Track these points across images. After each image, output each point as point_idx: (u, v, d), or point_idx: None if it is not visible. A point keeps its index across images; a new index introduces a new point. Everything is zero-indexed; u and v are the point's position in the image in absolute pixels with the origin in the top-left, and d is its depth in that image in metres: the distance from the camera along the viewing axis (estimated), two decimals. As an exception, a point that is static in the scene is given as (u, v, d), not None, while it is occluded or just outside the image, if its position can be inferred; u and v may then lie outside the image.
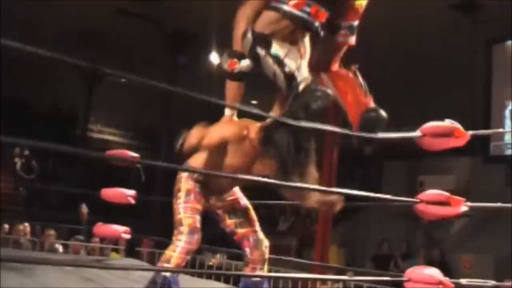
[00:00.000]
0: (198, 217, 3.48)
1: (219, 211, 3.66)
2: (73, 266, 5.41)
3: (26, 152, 15.12)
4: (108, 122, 20.11)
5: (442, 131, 3.34)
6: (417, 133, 3.36)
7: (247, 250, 3.61)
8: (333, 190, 3.50)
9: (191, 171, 3.53)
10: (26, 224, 10.61)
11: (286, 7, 3.24)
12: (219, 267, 10.30)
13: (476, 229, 11.66)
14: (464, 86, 12.46)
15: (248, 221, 3.65)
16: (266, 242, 3.65)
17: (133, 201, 5.01)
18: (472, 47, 12.12)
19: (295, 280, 8.37)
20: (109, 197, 5.17)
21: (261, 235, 3.65)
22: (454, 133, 3.35)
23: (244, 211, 3.68)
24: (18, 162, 15.18)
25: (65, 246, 9.71)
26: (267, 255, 3.64)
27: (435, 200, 3.26)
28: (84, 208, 10.81)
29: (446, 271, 3.41)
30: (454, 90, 12.35)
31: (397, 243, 11.85)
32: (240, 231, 3.62)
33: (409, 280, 3.31)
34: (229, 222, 3.65)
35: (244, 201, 3.72)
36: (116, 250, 9.37)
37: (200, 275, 6.68)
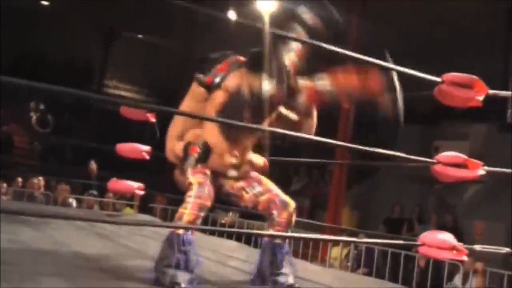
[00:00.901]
0: (207, 179, 3.40)
1: (234, 191, 3.56)
2: (85, 221, 5.44)
3: (42, 106, 15.16)
4: (123, 78, 20.06)
5: (463, 81, 3.27)
6: (437, 78, 3.29)
7: (275, 212, 3.46)
8: (351, 146, 3.45)
9: (208, 119, 3.45)
10: (41, 178, 10.65)
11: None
12: (231, 225, 10.34)
13: (488, 197, 11.62)
14: (484, 55, 12.30)
15: (267, 188, 3.56)
16: (293, 204, 3.55)
17: (147, 157, 5.00)
18: (493, 15, 11.94)
19: (306, 240, 8.40)
20: (124, 152, 5.16)
21: (286, 197, 3.55)
22: (474, 85, 3.28)
23: (259, 181, 3.59)
24: (34, 116, 15.23)
25: (79, 201, 9.76)
26: (294, 218, 3.55)
27: (453, 162, 3.22)
28: (93, 165, 10.83)
29: (458, 237, 3.37)
30: (473, 58, 12.19)
31: (410, 207, 11.84)
32: (263, 198, 3.51)
33: (423, 245, 3.29)
34: (248, 196, 3.52)
35: (255, 173, 3.63)
36: (130, 206, 9.42)
37: (212, 233, 6.71)
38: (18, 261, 3.39)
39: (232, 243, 6.19)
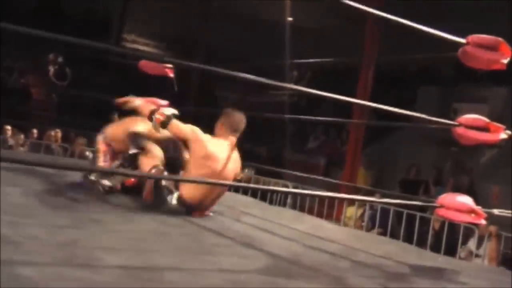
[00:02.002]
0: None
1: None
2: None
3: (60, 59, 15.14)
4: (142, 32, 19.89)
5: (488, 42, 3.22)
6: (461, 40, 3.24)
7: None
8: (370, 104, 3.41)
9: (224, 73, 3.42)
10: (58, 130, 10.66)
11: None
12: (247, 182, 10.32)
13: (505, 162, 11.54)
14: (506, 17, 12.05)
15: None
16: None
17: (166, 112, 4.98)
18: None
19: (322, 198, 8.38)
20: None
21: None
22: (499, 47, 3.23)
23: None
24: (52, 68, 15.21)
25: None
26: None
27: (475, 125, 3.18)
28: (116, 117, 10.81)
29: (474, 201, 3.35)
30: (496, 20, 11.94)
31: (426, 169, 11.79)
32: None
33: (441, 206, 3.27)
34: None
35: None
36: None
37: (228, 189, 6.72)
38: (34, 213, 3.41)
39: (248, 199, 6.19)
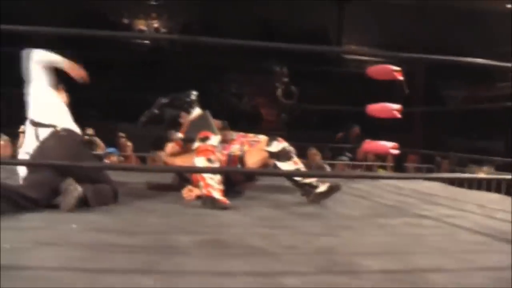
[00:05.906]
0: None
1: None
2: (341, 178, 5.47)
3: (285, 79, 15.62)
4: (361, 41, 19.92)
5: None
6: None
7: None
8: None
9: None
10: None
11: None
12: (488, 179, 9.88)
13: None
14: None
15: None
16: None
17: (398, 115, 4.96)
18: None
19: None
20: (375, 112, 5.16)
21: None
22: None
23: None
24: (279, 88, 15.73)
25: (332, 166, 9.85)
26: None
27: None
28: (357, 128, 10.89)
29: None
30: None
31: None
32: None
33: None
34: None
35: None
36: (383, 167, 9.32)
37: (470, 187, 6.56)
38: (286, 224, 3.53)
39: (493, 195, 5.97)
